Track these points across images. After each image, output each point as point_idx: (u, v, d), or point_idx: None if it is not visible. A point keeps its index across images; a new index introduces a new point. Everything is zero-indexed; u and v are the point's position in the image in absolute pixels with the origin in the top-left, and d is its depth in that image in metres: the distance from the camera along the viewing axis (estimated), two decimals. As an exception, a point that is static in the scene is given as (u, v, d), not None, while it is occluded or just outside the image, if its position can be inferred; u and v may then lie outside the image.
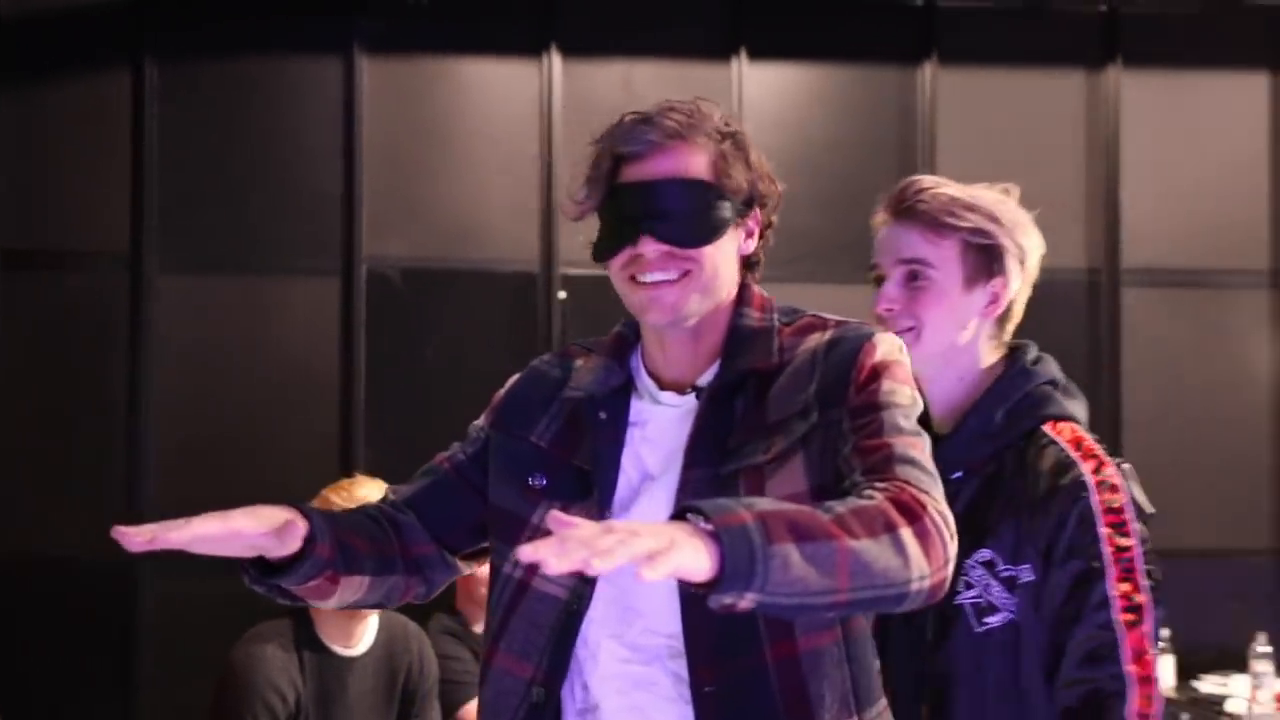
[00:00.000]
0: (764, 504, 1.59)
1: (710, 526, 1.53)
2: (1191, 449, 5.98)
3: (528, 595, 1.86)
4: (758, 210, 1.90)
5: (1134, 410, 5.93)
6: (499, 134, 5.79)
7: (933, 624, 2.10)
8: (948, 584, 1.68)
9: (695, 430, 1.83)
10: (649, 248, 1.82)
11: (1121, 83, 6.00)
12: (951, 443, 2.15)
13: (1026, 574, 2.05)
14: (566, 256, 5.68)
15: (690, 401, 1.88)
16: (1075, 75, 6.05)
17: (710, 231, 1.83)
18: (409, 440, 5.58)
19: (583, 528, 1.48)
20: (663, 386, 1.92)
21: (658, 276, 1.83)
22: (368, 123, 5.71)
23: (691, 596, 1.70)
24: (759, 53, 5.80)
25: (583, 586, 1.81)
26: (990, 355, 2.23)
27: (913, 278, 2.17)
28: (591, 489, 1.86)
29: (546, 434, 1.93)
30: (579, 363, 1.99)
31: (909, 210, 2.18)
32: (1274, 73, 6.10)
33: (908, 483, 1.71)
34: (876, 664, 1.85)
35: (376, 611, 3.49)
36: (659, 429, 1.88)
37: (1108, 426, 5.92)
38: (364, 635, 3.48)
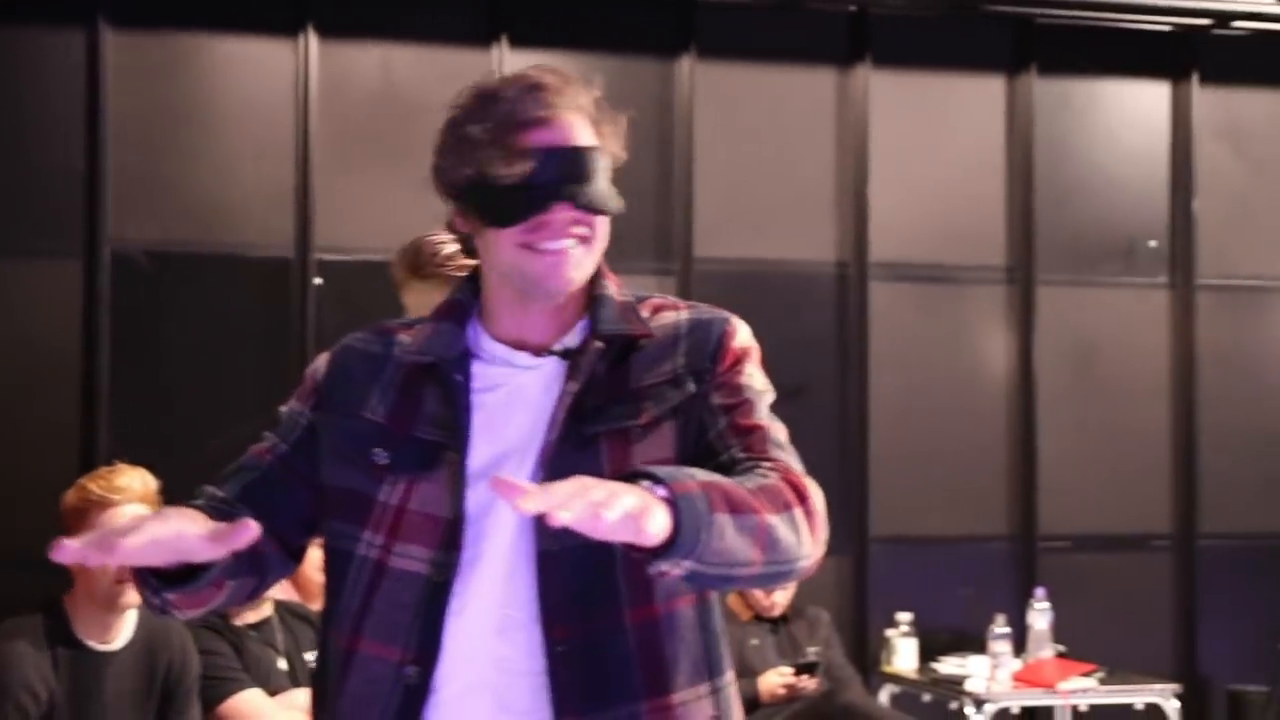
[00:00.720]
0: (701, 474, 1.64)
1: (665, 492, 1.57)
2: (933, 438, 6.20)
3: (386, 575, 1.80)
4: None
5: (879, 400, 6.10)
6: (253, 115, 5.64)
7: None
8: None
9: (577, 389, 1.81)
10: (561, 214, 1.81)
11: (870, 81, 6.16)
12: None
13: None
14: (323, 242, 5.56)
15: (549, 363, 1.85)
16: (827, 72, 6.19)
17: (611, 198, 1.85)
18: (155, 429, 5.40)
19: (561, 485, 1.48)
20: (515, 349, 1.89)
21: (561, 244, 1.82)
22: (113, 98, 5.49)
23: (547, 557, 1.73)
24: (520, 40, 5.78)
25: (446, 558, 1.77)
26: None
27: None
28: (438, 459, 1.81)
29: (381, 408, 1.87)
30: (403, 336, 1.93)
31: (433, 274, 2.45)
32: (1011, 76, 6.35)
33: (789, 464, 1.79)
34: (724, 633, 1.88)
35: (135, 606, 3.36)
36: (510, 391, 1.85)
37: (855, 415, 6.09)
38: (122, 631, 3.35)
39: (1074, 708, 5.69)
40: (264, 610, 3.82)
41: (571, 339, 1.87)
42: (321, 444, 1.90)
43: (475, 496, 1.79)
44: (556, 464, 1.76)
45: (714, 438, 1.81)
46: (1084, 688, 5.45)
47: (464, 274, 2.39)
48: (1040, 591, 5.75)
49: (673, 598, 1.80)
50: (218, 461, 2.01)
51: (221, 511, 1.81)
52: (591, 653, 1.76)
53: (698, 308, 1.93)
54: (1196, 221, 6.43)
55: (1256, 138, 6.56)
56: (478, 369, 1.87)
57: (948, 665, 5.73)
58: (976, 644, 5.77)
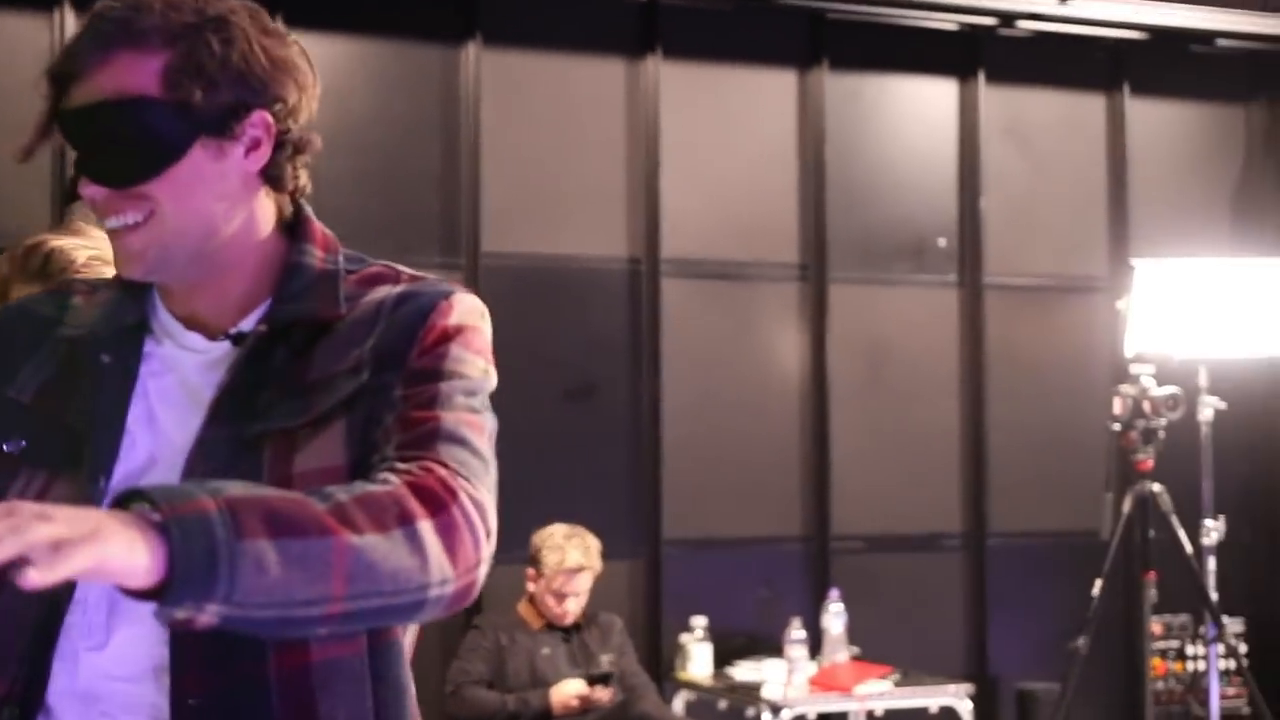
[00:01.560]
0: (236, 489, 1.31)
1: (158, 516, 1.25)
2: (726, 437, 6.07)
3: (5, 590, 1.47)
4: (263, 113, 1.53)
5: (672, 399, 5.95)
6: (4, 93, 5.22)
7: None
8: (478, 589, 1.43)
9: (225, 383, 1.51)
10: (88, 190, 1.51)
11: (661, 73, 6.01)
12: None
13: None
14: (81, 232, 5.19)
15: (221, 348, 1.56)
16: (616, 63, 6.02)
17: (154, 161, 1.49)
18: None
19: None
20: (191, 328, 1.59)
21: (115, 223, 1.51)
22: None
23: None
24: (297, 21, 5.43)
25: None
26: None
27: None
28: (83, 453, 1.52)
29: (30, 385, 1.58)
30: (78, 299, 1.65)
31: (47, 275, 2.33)
32: (803, 71, 6.26)
33: (444, 464, 1.44)
34: (411, 685, 1.57)
35: None
36: (180, 380, 1.56)
37: (648, 415, 5.92)
38: None
39: (869, 711, 5.62)
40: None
41: (251, 320, 1.57)
42: None
43: None
44: (205, 471, 1.47)
45: (379, 434, 1.49)
46: (880, 691, 5.37)
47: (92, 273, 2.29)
48: (835, 593, 5.67)
49: (329, 641, 1.47)
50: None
51: None
52: (228, 708, 1.45)
53: (421, 279, 1.61)
54: (984, 220, 6.43)
55: (1040, 137, 6.59)
56: (150, 349, 1.58)
57: (743, 670, 5.60)
58: (770, 647, 5.67)
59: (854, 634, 5.65)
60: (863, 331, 6.29)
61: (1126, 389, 5.27)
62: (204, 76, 1.50)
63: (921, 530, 6.33)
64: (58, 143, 4.97)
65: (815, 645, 5.57)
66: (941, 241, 6.44)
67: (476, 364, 1.55)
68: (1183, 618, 6.31)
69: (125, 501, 1.29)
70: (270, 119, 1.54)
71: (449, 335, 1.54)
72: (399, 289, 1.58)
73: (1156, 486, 5.24)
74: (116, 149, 1.50)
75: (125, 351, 1.57)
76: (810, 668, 5.40)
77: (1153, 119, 6.70)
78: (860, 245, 6.31)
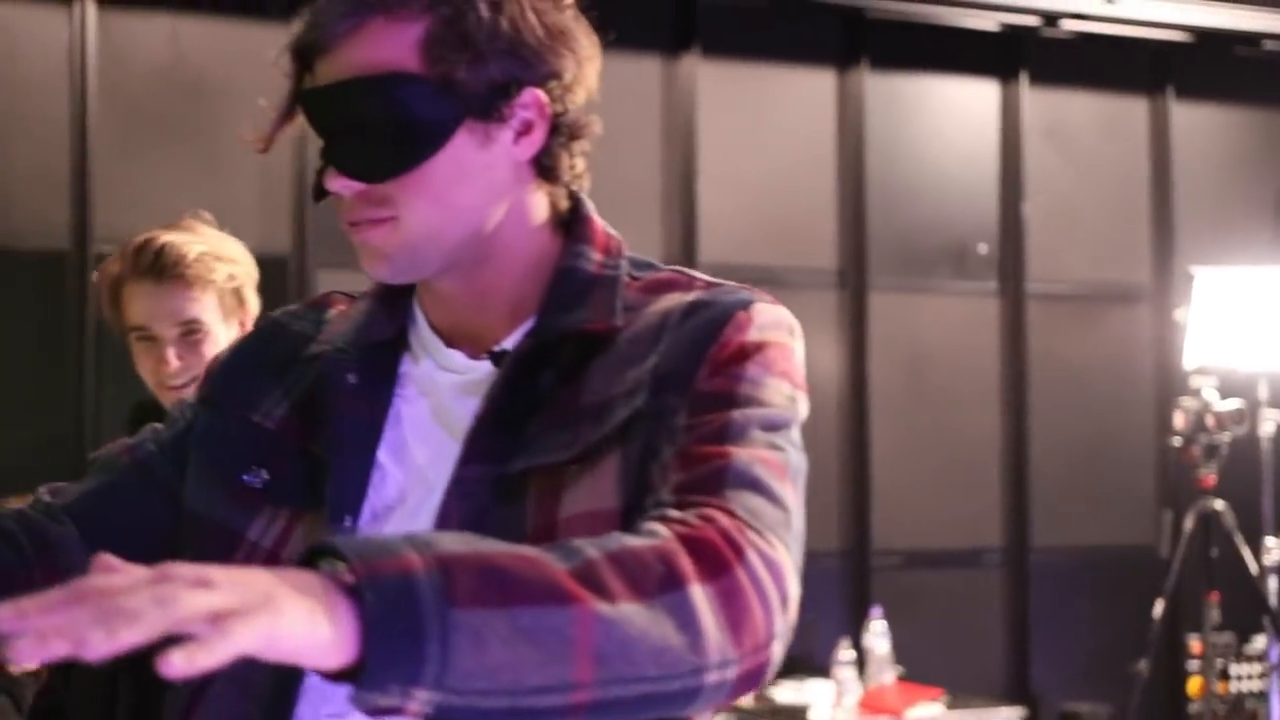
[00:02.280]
0: (450, 542, 1.05)
1: (350, 578, 1.00)
2: (762, 450, 5.87)
3: None
4: (535, 91, 1.31)
5: (709, 411, 5.75)
6: (22, 91, 4.98)
7: None
8: (771, 671, 1.15)
9: (483, 411, 1.29)
10: (338, 183, 1.29)
11: (698, 72, 5.81)
12: None
13: None
14: (103, 233, 4.95)
15: (482, 369, 1.33)
16: (652, 61, 5.82)
17: (414, 149, 1.26)
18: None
19: (118, 576, 0.94)
20: (452, 344, 1.36)
21: (364, 218, 1.29)
22: None
23: None
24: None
25: None
26: None
27: (189, 334, 2.34)
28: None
29: (276, 411, 1.37)
30: (334, 312, 1.44)
31: (174, 275, 2.31)
32: (841, 70, 6.06)
33: (731, 513, 1.15)
34: None
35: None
36: (435, 405, 1.34)
37: (683, 427, 5.72)
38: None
39: (916, 734, 5.42)
40: (49, 661, 3.28)
41: (518, 335, 1.34)
42: (194, 450, 1.39)
43: None
44: (461, 516, 1.24)
45: (656, 472, 1.23)
46: (931, 714, 5.17)
47: (229, 282, 2.33)
48: (877, 611, 5.47)
49: None
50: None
51: (2, 527, 1.31)
52: None
53: (719, 287, 1.36)
54: (1026, 226, 6.24)
55: (1083, 140, 6.41)
56: (406, 368, 1.36)
57: (784, 692, 5.39)
58: (809, 667, 5.46)
59: (893, 653, 5.45)
60: (902, 340, 6.09)
61: (1188, 402, 5.08)
62: (470, 47, 1.27)
63: (962, 545, 6.14)
64: (76, 142, 4.69)
65: (858, 665, 5.37)
66: (983, 248, 6.24)
67: (780, 389, 1.29)
68: (1226, 636, 6.12)
69: (312, 558, 1.04)
70: (544, 98, 1.32)
71: (746, 353, 1.28)
72: (690, 297, 1.34)
73: (1219, 504, 5.05)
74: (370, 135, 1.27)
75: (375, 371, 1.35)
76: (858, 689, 5.19)
77: (1197, 122, 6.53)
78: (899, 251, 6.11)
